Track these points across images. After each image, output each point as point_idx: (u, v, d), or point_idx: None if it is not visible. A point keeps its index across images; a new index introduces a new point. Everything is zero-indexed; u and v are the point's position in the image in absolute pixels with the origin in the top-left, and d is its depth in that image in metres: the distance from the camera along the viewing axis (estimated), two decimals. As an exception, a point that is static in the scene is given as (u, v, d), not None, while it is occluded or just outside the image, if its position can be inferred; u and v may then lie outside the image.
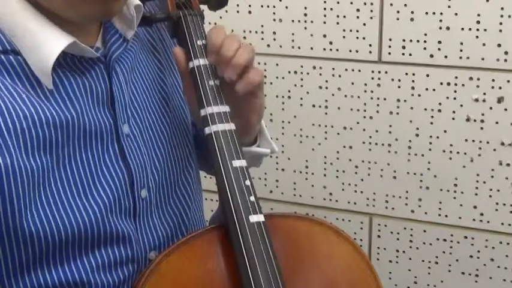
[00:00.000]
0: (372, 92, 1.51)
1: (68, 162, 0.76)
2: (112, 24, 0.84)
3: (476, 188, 1.48)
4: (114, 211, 0.79)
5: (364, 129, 1.54)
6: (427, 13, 1.42)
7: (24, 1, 0.74)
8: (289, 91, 1.58)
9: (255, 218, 0.79)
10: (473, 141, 1.46)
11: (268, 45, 1.57)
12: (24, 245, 0.72)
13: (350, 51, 1.51)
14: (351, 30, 1.49)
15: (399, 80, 1.48)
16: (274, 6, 1.54)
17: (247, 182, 0.80)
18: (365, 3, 1.46)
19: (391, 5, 1.44)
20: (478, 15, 1.38)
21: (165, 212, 0.88)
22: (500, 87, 1.41)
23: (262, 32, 1.57)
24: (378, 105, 1.51)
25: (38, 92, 0.74)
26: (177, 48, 0.88)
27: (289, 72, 1.57)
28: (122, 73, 0.83)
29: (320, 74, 1.54)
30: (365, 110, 1.53)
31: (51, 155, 0.74)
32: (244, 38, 1.58)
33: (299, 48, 1.55)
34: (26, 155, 0.71)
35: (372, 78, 1.50)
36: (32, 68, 0.73)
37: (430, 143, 1.49)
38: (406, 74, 1.47)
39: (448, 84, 1.44)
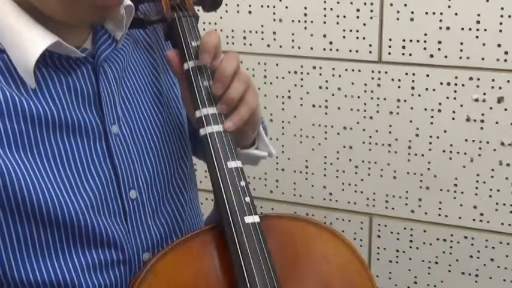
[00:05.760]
0: (372, 92, 1.51)
1: (52, 158, 0.76)
2: (102, 25, 0.84)
3: (476, 188, 1.48)
4: (102, 211, 0.79)
5: (364, 129, 1.54)
6: (427, 13, 1.42)
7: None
8: (289, 91, 1.58)
9: (250, 219, 0.79)
10: (473, 141, 1.45)
11: (268, 45, 1.57)
12: (8, 235, 0.72)
13: (350, 51, 1.51)
14: (351, 30, 1.49)
15: (399, 80, 1.48)
16: (274, 6, 1.54)
17: (243, 183, 0.80)
18: (365, 3, 1.46)
19: (391, 5, 1.44)
20: (478, 15, 1.38)
21: (159, 213, 0.87)
22: (500, 87, 1.40)
23: (262, 32, 1.57)
24: (378, 105, 1.51)
25: (22, 90, 0.74)
26: (170, 51, 0.87)
27: (289, 72, 1.57)
28: (111, 73, 0.83)
29: (320, 74, 1.54)
30: (365, 110, 1.53)
31: (31, 151, 0.74)
32: (244, 38, 1.58)
33: (299, 48, 1.55)
34: (9, 150, 0.72)
35: (372, 78, 1.50)
36: (16, 66, 0.74)
37: (430, 143, 1.49)
38: (406, 74, 1.47)
39: (448, 84, 1.44)
